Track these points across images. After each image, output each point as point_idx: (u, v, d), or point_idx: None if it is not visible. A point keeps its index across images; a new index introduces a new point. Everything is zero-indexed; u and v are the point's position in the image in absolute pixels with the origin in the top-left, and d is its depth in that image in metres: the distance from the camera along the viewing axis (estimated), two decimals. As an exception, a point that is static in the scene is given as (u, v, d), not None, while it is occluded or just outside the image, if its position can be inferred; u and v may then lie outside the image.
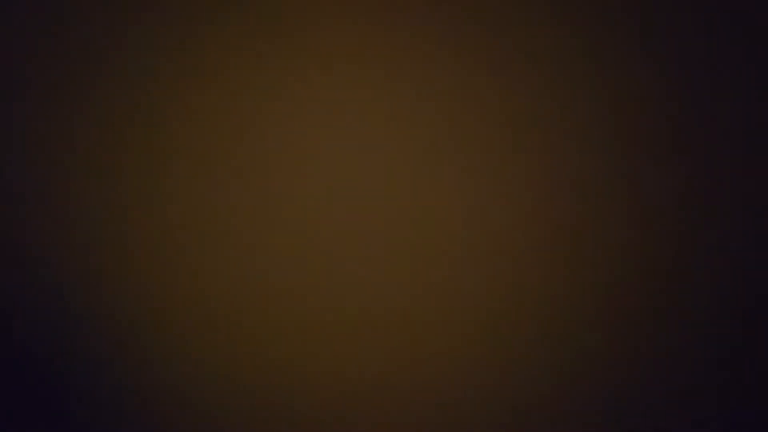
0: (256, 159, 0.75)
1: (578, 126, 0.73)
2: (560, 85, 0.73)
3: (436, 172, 0.74)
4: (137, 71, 0.76)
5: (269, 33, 0.75)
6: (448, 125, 0.74)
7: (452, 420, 0.75)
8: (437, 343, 0.75)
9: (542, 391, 0.74)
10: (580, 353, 0.74)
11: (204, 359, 0.76)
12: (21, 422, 0.76)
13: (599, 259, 0.73)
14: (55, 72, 0.76)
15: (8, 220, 0.77)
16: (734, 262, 0.73)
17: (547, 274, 0.74)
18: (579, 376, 0.74)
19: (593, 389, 0.74)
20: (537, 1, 0.73)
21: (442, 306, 0.75)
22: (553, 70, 0.73)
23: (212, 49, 0.75)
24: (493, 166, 0.74)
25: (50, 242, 0.77)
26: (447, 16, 0.74)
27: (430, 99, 0.74)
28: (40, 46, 0.77)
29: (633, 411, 0.74)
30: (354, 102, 0.75)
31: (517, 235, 0.74)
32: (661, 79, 0.73)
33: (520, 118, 0.74)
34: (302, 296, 0.75)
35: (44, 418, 0.77)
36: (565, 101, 0.73)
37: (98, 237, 0.77)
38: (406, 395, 0.75)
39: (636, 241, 0.73)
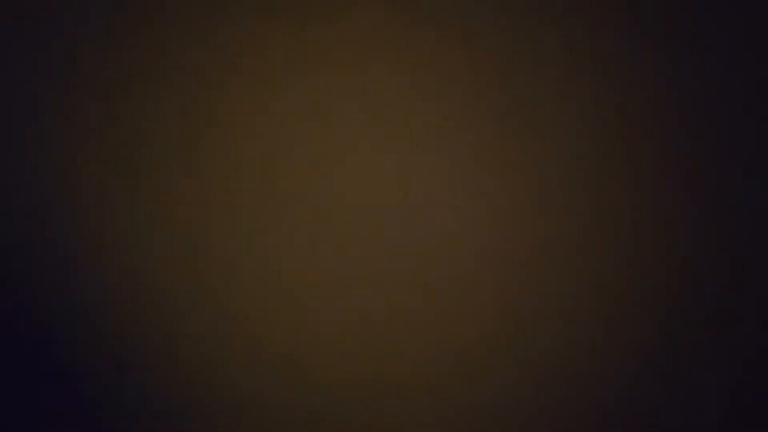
0: (267, 158, 0.75)
1: (582, 126, 0.74)
2: (565, 84, 0.73)
3: (443, 172, 0.75)
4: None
5: (283, 34, 0.75)
6: (456, 126, 0.74)
7: (455, 421, 0.75)
8: (448, 344, 0.75)
9: (548, 393, 0.74)
10: (584, 354, 0.74)
11: (220, 360, 0.76)
12: (38, 421, 0.76)
13: (605, 259, 0.74)
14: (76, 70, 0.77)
15: (33, 219, 0.77)
16: (738, 263, 0.73)
17: (552, 275, 0.74)
18: (584, 377, 0.74)
19: (599, 391, 0.74)
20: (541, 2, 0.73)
21: (449, 306, 0.75)
22: (556, 70, 0.73)
23: (226, 49, 0.76)
24: (502, 166, 0.74)
25: (74, 242, 0.77)
26: (452, 19, 0.74)
27: (439, 100, 0.74)
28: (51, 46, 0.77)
29: (636, 413, 0.74)
30: (363, 103, 0.75)
31: (520, 236, 0.74)
32: (664, 79, 0.73)
33: (523, 118, 0.74)
34: (312, 296, 0.75)
35: (63, 419, 0.76)
36: (570, 100, 0.74)
37: (122, 235, 0.77)
38: (419, 395, 0.75)
39: (641, 240, 0.73)
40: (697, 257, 0.73)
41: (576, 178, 0.74)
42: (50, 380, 0.76)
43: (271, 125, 0.76)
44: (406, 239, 0.75)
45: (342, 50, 0.75)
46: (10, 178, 0.77)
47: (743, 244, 0.73)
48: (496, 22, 0.73)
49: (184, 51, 0.76)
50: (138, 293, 0.76)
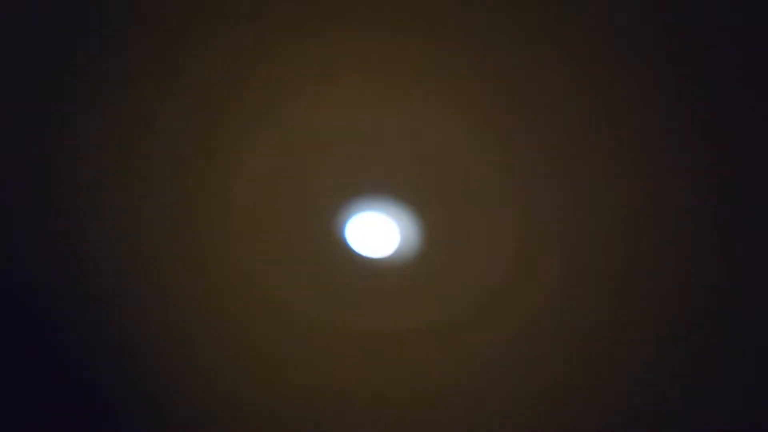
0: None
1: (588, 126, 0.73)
2: (572, 85, 0.73)
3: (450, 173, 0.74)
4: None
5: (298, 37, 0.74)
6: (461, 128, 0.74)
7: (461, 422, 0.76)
8: (452, 347, 0.76)
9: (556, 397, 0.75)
10: (590, 356, 0.74)
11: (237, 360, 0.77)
12: (57, 418, 0.78)
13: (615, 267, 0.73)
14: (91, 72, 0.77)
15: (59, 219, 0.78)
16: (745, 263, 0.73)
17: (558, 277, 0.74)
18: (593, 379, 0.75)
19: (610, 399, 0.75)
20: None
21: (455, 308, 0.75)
22: (562, 72, 0.72)
23: (244, 53, 0.75)
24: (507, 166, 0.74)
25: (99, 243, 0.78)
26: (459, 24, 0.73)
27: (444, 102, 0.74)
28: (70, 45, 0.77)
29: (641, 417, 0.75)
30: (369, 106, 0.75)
31: (529, 237, 0.74)
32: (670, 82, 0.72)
33: (527, 119, 0.73)
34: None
35: (81, 416, 0.78)
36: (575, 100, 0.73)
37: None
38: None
39: (647, 242, 0.73)
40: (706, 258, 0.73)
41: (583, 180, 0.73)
42: (90, 378, 0.77)
43: (280, 127, 0.76)
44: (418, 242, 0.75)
45: (345, 52, 0.74)
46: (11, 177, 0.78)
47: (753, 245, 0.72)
48: (498, 24, 0.72)
49: (190, 51, 0.76)
50: (141, 293, 0.77)
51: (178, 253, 0.77)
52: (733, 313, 0.73)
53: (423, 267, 0.75)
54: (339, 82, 0.74)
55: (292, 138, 0.75)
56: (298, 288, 0.76)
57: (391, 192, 0.74)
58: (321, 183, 0.75)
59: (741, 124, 0.71)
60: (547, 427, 0.76)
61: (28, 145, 0.77)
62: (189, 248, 0.77)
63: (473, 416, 0.77)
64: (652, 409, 0.76)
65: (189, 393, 0.78)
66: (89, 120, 0.77)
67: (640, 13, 0.70)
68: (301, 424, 0.79)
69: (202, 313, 0.78)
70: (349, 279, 0.75)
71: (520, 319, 0.74)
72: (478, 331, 0.75)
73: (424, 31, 0.72)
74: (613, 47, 0.70)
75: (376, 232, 0.74)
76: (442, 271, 0.74)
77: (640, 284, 0.74)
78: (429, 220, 0.74)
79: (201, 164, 0.76)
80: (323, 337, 0.77)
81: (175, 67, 0.75)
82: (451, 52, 0.72)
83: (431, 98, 0.73)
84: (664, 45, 0.70)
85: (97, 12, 0.76)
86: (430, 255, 0.75)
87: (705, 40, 0.69)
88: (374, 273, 0.75)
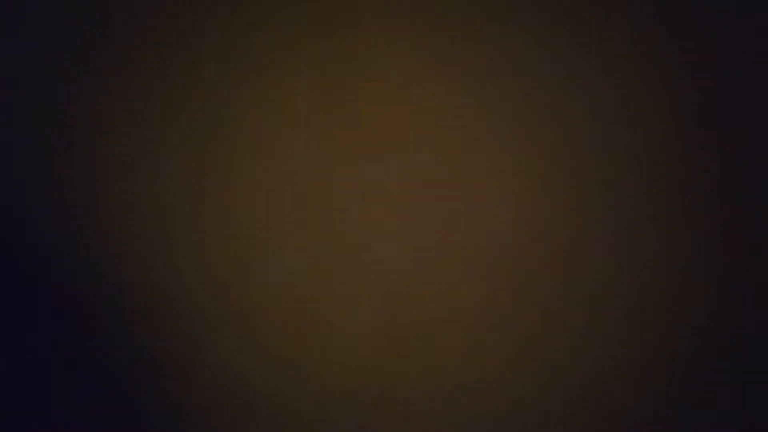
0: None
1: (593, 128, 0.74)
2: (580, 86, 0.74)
3: (460, 175, 0.75)
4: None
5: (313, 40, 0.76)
6: (467, 132, 0.75)
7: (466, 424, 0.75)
8: (461, 349, 0.75)
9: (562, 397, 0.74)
10: (595, 359, 0.74)
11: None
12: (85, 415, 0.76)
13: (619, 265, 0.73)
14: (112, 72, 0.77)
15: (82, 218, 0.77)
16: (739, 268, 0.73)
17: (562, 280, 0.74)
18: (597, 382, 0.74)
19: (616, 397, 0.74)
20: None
21: (465, 311, 0.75)
22: (569, 75, 0.74)
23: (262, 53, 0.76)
24: (516, 167, 0.74)
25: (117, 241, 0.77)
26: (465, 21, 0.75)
27: (448, 100, 0.75)
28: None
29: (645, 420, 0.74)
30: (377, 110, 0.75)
31: (539, 238, 0.74)
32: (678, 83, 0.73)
33: (532, 120, 0.74)
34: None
35: (111, 416, 0.76)
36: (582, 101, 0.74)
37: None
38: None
39: (653, 245, 0.73)
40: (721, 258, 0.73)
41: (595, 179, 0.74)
42: (114, 377, 0.76)
43: (291, 128, 0.76)
44: (422, 243, 0.75)
45: (350, 51, 0.75)
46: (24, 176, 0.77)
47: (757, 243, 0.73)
48: (504, 22, 0.74)
49: (197, 50, 0.76)
50: (151, 295, 0.76)
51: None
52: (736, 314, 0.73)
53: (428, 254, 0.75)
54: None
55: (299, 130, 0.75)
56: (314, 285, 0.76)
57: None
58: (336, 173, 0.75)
59: (748, 121, 0.72)
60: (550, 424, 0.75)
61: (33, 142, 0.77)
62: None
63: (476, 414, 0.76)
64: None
65: (196, 390, 0.77)
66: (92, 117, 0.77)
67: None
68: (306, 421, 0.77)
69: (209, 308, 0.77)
70: (355, 264, 0.75)
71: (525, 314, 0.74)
72: (478, 331, 0.74)
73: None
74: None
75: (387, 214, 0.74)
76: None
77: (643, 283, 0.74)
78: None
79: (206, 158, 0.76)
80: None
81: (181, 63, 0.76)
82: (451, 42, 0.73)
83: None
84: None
85: (102, 10, 0.77)
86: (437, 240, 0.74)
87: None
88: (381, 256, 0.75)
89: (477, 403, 0.74)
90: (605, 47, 0.73)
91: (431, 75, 0.74)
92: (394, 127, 0.75)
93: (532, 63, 0.74)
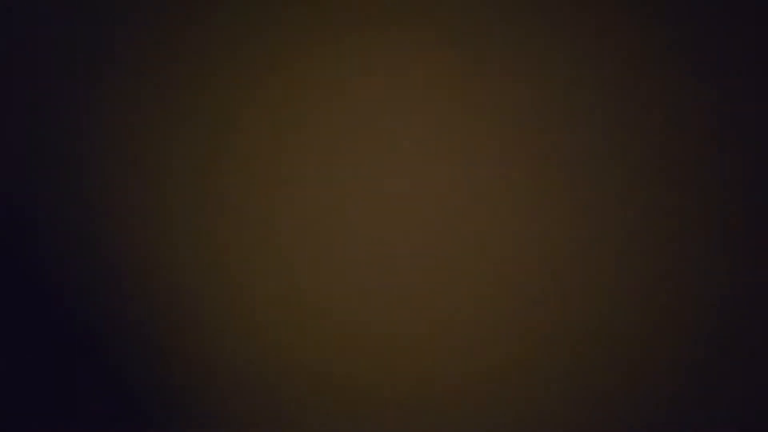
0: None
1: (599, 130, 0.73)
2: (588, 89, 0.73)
3: (469, 176, 0.74)
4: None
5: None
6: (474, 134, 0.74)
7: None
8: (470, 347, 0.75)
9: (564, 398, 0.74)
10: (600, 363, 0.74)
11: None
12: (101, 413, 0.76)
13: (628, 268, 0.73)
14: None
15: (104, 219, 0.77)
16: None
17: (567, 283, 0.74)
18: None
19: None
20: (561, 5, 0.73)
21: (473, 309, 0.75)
22: (577, 78, 0.73)
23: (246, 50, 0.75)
24: (527, 166, 0.74)
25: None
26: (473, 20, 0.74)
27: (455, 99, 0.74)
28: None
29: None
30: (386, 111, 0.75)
31: (549, 239, 0.74)
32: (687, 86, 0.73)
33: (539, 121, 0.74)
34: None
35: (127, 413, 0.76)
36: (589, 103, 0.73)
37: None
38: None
39: (658, 249, 0.73)
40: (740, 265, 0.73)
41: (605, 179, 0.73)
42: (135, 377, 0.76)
43: (298, 129, 0.75)
44: (429, 243, 0.75)
45: (357, 49, 0.75)
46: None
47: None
48: (511, 20, 0.73)
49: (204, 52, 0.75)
50: (163, 299, 0.76)
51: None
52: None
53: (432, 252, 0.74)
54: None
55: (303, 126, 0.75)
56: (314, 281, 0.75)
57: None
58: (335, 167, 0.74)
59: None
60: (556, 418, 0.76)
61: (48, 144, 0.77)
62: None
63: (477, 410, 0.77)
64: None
65: (204, 387, 0.77)
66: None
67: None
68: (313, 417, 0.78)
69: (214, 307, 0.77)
70: (359, 263, 0.75)
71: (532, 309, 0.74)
72: (485, 327, 0.75)
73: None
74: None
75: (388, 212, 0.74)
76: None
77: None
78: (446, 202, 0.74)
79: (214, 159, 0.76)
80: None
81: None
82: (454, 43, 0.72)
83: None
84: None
85: (111, 14, 0.76)
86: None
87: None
88: (385, 255, 0.75)
89: (481, 402, 0.75)
90: (610, 48, 0.72)
91: (439, 76, 0.74)
92: (400, 129, 0.74)
93: (540, 65, 0.73)
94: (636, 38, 0.72)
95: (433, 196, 0.74)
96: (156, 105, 0.76)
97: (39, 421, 0.76)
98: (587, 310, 0.73)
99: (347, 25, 0.74)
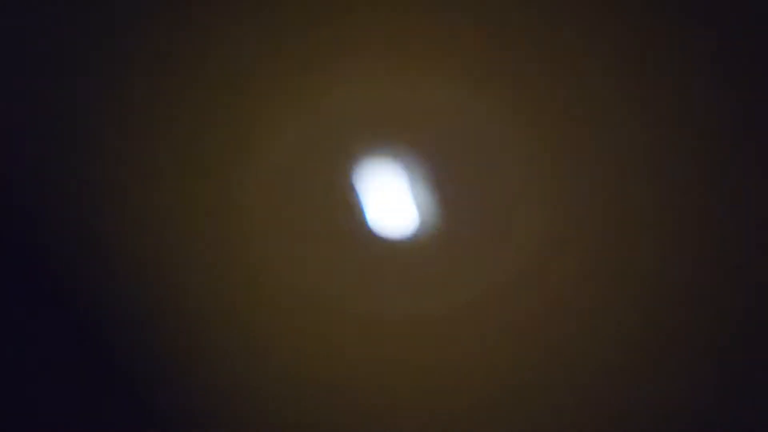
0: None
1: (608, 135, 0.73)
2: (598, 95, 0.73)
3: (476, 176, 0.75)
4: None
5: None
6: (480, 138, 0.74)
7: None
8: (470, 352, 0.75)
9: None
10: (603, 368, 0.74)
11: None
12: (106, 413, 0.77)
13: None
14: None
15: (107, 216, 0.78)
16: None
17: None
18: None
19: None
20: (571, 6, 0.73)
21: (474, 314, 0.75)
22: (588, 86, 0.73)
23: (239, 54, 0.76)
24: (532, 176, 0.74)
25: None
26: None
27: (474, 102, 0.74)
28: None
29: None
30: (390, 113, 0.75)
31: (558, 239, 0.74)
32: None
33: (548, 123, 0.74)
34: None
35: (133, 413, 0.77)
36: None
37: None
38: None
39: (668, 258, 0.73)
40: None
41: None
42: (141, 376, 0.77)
43: (298, 129, 0.76)
44: (424, 243, 0.75)
45: (366, 48, 0.75)
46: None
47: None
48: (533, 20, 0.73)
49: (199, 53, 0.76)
50: (157, 298, 0.77)
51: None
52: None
53: (442, 249, 0.75)
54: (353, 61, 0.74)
55: (307, 119, 0.75)
56: (317, 278, 0.76)
57: (412, 168, 0.74)
58: (338, 162, 0.75)
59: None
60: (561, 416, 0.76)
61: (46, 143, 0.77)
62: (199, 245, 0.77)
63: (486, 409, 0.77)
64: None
65: (200, 384, 0.78)
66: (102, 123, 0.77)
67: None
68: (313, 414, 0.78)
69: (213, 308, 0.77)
70: (365, 261, 0.75)
71: (540, 305, 0.74)
72: (496, 318, 0.75)
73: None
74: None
75: (394, 211, 0.74)
76: (462, 254, 0.74)
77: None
78: (451, 199, 0.74)
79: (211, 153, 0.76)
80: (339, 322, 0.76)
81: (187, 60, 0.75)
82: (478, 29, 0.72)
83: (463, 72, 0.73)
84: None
85: (111, 12, 0.76)
86: (450, 237, 0.74)
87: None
88: (391, 254, 0.75)
89: (482, 402, 0.75)
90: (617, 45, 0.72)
91: (437, 71, 0.74)
92: (399, 126, 0.75)
93: (550, 61, 0.73)
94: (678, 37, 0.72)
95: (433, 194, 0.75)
96: (155, 104, 0.77)
97: (39, 421, 0.77)
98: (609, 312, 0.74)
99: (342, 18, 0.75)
